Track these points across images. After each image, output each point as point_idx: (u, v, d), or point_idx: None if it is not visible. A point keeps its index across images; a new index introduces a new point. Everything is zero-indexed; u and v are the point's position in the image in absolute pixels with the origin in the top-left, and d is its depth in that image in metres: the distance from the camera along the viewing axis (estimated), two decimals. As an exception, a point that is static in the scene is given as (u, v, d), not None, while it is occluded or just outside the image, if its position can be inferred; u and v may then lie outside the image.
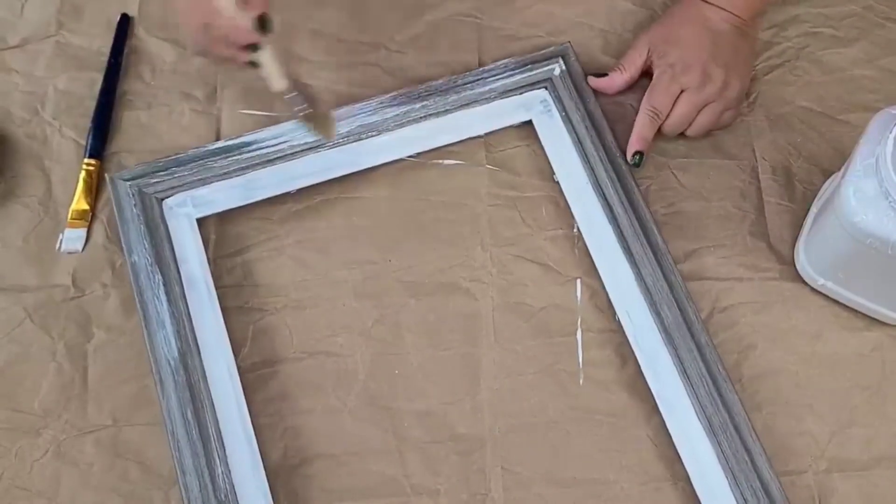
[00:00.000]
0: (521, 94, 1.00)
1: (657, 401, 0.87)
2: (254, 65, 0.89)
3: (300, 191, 0.96)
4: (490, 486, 0.86)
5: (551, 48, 1.01)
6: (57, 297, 0.93)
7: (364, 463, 0.87)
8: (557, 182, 0.97)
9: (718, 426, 0.84)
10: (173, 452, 0.83)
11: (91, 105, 1.01)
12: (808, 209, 0.94)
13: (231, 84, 1.03)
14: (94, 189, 0.97)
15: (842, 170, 0.84)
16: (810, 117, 1.01)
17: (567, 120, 0.98)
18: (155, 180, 0.94)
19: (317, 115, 0.92)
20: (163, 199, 0.95)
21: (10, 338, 0.91)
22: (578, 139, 0.97)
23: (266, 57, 0.88)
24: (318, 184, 0.97)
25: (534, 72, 1.00)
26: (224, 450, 0.84)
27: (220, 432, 0.85)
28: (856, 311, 0.91)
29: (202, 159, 0.95)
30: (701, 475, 0.84)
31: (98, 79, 1.03)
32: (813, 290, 0.92)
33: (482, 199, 0.97)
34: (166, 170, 0.95)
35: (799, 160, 0.98)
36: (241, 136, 0.97)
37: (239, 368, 0.89)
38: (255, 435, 0.86)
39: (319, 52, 1.05)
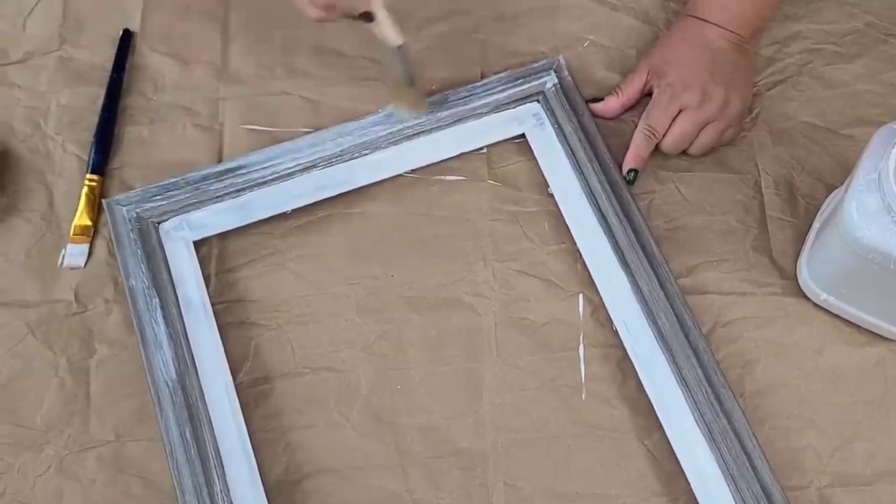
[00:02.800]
0: (513, 107, 1.01)
1: (656, 410, 0.87)
2: (369, 18, 0.88)
3: (303, 206, 0.96)
4: (492, 501, 0.86)
5: (543, 61, 1.02)
6: (59, 313, 0.93)
7: (366, 478, 0.87)
8: (552, 195, 0.97)
9: (718, 433, 0.84)
10: (172, 472, 0.83)
11: (93, 120, 1.01)
12: (811, 224, 0.94)
13: (233, 99, 1.03)
14: (97, 205, 0.97)
15: (844, 184, 0.84)
16: (813, 132, 1.01)
17: (560, 132, 0.99)
18: (151, 205, 0.94)
19: (414, 85, 0.91)
20: (159, 224, 0.95)
21: (13, 353, 0.91)
22: (572, 151, 0.97)
23: (381, 10, 0.87)
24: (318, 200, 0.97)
25: (526, 85, 1.01)
26: (223, 468, 0.84)
27: (218, 451, 0.85)
28: (858, 326, 0.91)
29: (197, 183, 0.95)
30: (703, 484, 0.84)
31: (100, 94, 1.03)
32: (815, 305, 0.92)
33: (484, 214, 0.97)
34: (162, 194, 0.95)
35: (802, 175, 0.98)
36: (235, 158, 0.97)
37: (241, 384, 0.90)
38: (258, 450, 0.86)
39: (321, 67, 1.05)
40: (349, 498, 0.86)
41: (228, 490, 0.83)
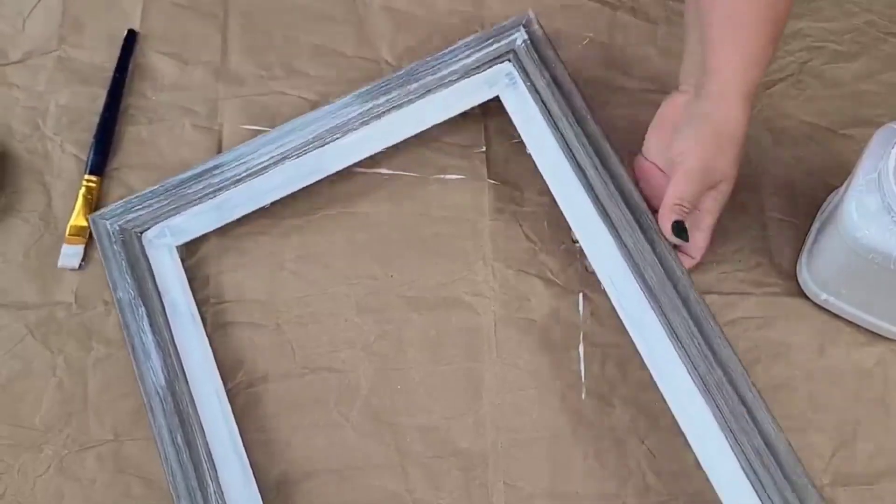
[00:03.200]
0: (484, 70, 0.98)
1: (648, 367, 0.84)
2: None
3: (302, 205, 0.97)
4: (492, 501, 0.86)
5: (512, 18, 0.98)
6: (58, 314, 0.93)
7: (366, 478, 0.87)
8: (530, 154, 0.95)
9: (713, 385, 0.81)
10: (167, 476, 0.83)
11: (92, 120, 1.01)
12: (811, 224, 0.94)
13: (232, 99, 1.03)
14: (94, 205, 0.97)
15: (844, 184, 0.84)
16: (813, 131, 1.00)
17: (533, 89, 0.95)
18: (133, 215, 0.94)
19: None
20: (142, 233, 0.94)
21: (12, 354, 0.91)
22: (546, 106, 0.94)
23: None
24: (318, 198, 0.97)
25: (495, 45, 0.97)
26: (216, 471, 0.84)
27: (210, 455, 0.85)
28: (858, 326, 0.91)
29: (175, 188, 0.94)
30: (701, 443, 0.81)
31: (99, 94, 1.02)
32: (815, 305, 0.92)
33: (484, 213, 0.97)
34: (143, 203, 0.94)
35: (802, 174, 0.98)
36: (206, 160, 0.96)
37: (240, 384, 0.90)
38: (258, 451, 0.87)
39: (319, 67, 1.05)
40: (349, 498, 0.86)
41: (222, 493, 0.83)
